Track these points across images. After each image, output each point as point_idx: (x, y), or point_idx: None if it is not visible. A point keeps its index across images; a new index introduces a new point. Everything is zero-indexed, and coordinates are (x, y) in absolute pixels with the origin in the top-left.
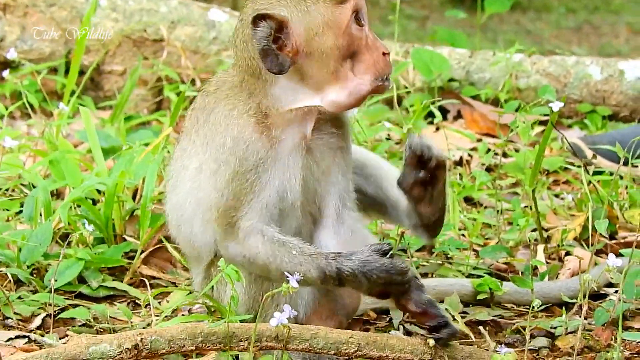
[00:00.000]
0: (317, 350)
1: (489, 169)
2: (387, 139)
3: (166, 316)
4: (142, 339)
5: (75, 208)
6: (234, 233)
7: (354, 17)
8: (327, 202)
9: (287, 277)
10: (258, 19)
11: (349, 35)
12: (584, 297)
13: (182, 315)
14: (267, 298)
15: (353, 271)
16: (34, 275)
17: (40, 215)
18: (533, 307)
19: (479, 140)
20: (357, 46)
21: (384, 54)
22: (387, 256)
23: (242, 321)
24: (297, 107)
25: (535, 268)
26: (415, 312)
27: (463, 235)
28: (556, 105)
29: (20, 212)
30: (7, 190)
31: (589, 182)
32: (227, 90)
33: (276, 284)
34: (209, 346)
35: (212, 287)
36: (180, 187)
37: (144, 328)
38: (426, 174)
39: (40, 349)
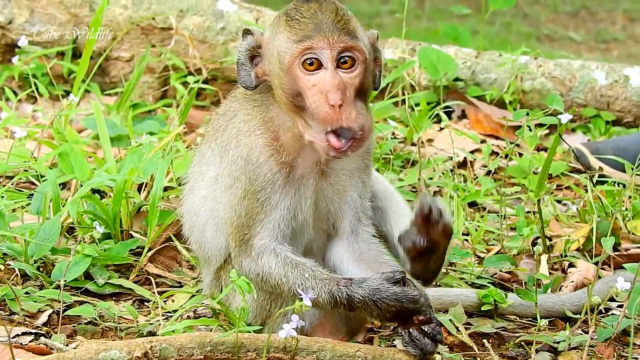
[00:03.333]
0: None
1: (492, 172)
2: (393, 137)
3: (172, 316)
4: (151, 346)
5: (82, 202)
6: (247, 250)
7: (303, 59)
8: (342, 220)
9: (300, 294)
10: (245, 32)
11: (293, 77)
12: (591, 312)
13: (187, 316)
14: (278, 314)
15: (364, 299)
16: (41, 270)
17: (49, 207)
18: (538, 324)
19: (483, 141)
20: (303, 91)
21: (332, 105)
22: (400, 284)
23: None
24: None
25: (539, 280)
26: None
27: (466, 240)
28: (565, 118)
29: (28, 203)
30: (13, 179)
31: (592, 191)
32: (250, 99)
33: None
34: (217, 355)
35: (221, 290)
36: (196, 193)
37: (149, 331)
38: (428, 243)
39: (49, 350)
